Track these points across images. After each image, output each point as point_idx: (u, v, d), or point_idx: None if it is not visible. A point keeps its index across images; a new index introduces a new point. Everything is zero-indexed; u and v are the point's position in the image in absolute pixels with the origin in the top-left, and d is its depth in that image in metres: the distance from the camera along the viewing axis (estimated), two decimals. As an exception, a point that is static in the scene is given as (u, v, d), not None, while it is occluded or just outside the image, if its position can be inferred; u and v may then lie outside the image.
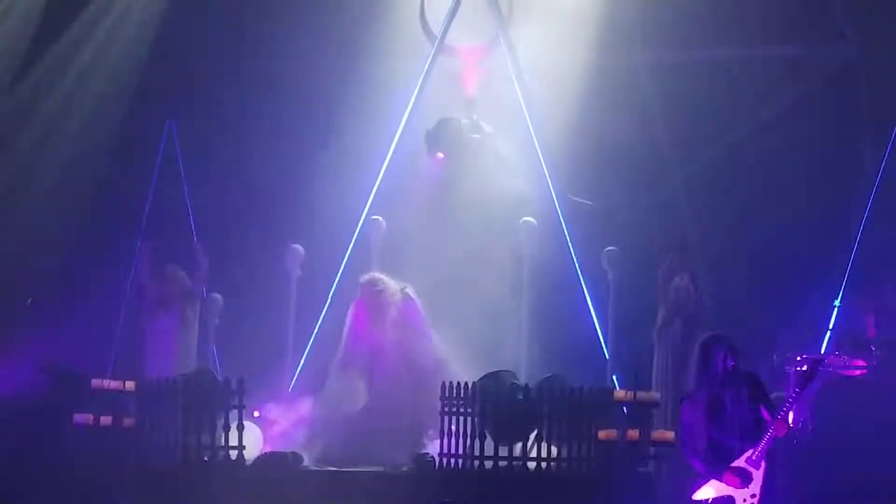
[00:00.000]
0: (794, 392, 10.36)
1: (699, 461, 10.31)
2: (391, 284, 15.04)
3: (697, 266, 15.48)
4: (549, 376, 14.20)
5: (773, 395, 10.78)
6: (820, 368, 10.97)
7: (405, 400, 14.75)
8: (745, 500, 10.16)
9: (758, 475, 10.16)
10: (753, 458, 10.16)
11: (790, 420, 10.25)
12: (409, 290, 15.09)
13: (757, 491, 10.15)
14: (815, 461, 13.86)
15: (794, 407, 10.36)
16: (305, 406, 15.08)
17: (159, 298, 15.96)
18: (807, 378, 10.40)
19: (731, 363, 10.28)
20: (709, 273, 16.94)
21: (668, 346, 14.99)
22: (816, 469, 13.64)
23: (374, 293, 14.95)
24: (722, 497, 10.23)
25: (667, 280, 15.49)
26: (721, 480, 10.20)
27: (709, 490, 10.27)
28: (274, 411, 15.14)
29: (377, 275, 15.16)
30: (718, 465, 10.22)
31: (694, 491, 10.43)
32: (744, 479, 10.13)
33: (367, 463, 14.19)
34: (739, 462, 10.21)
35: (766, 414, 10.22)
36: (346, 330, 15.01)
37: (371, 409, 14.73)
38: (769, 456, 10.23)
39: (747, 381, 10.37)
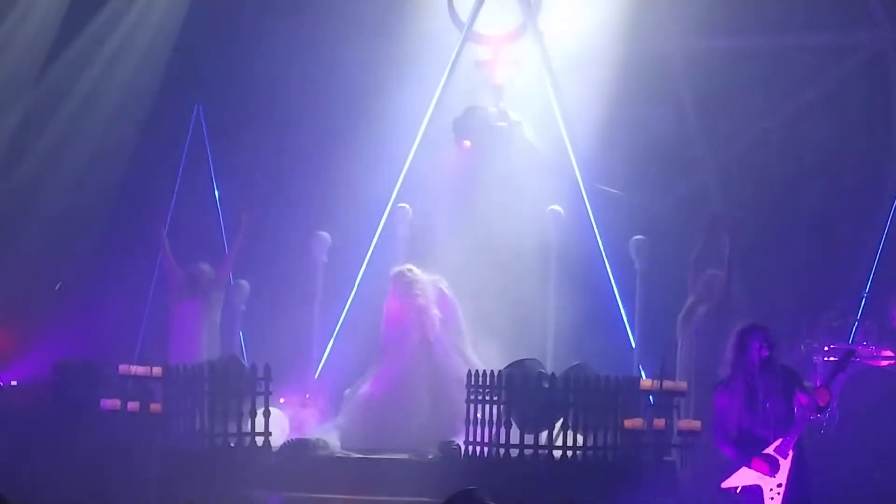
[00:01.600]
0: (827, 376, 10.31)
1: (730, 447, 10.30)
2: (422, 276, 15.04)
3: (729, 250, 15.31)
4: (576, 365, 14.18)
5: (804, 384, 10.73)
6: (851, 359, 10.88)
7: (433, 389, 14.76)
8: (771, 489, 10.13)
9: (785, 465, 10.12)
10: (782, 447, 10.12)
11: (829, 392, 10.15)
12: (443, 284, 15.09)
13: (783, 480, 10.12)
14: (841, 452, 13.79)
15: (832, 381, 10.26)
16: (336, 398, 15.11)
17: (184, 286, 15.97)
18: (838, 368, 10.34)
19: (766, 353, 10.24)
20: (740, 261, 16.87)
21: (691, 333, 14.91)
22: (843, 460, 13.57)
23: (404, 284, 14.96)
24: (749, 486, 10.20)
25: (698, 268, 15.35)
26: (750, 467, 10.17)
27: (737, 478, 10.25)
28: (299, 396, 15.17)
29: (408, 266, 15.16)
30: (748, 453, 10.20)
31: (721, 479, 10.42)
32: (772, 466, 10.09)
33: (392, 450, 14.21)
34: (769, 450, 10.18)
35: (803, 399, 10.16)
36: (382, 322, 15.05)
37: (398, 398, 14.75)
38: (797, 446, 10.19)
39: (782, 373, 10.33)
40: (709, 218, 15.42)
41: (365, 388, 14.94)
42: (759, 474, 10.16)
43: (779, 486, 10.13)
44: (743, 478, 10.25)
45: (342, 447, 14.41)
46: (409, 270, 15.05)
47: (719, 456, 10.76)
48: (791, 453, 10.15)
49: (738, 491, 10.26)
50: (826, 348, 15.30)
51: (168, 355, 15.24)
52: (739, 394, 10.27)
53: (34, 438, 14.44)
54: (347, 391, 15.10)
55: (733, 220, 15.40)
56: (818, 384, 10.32)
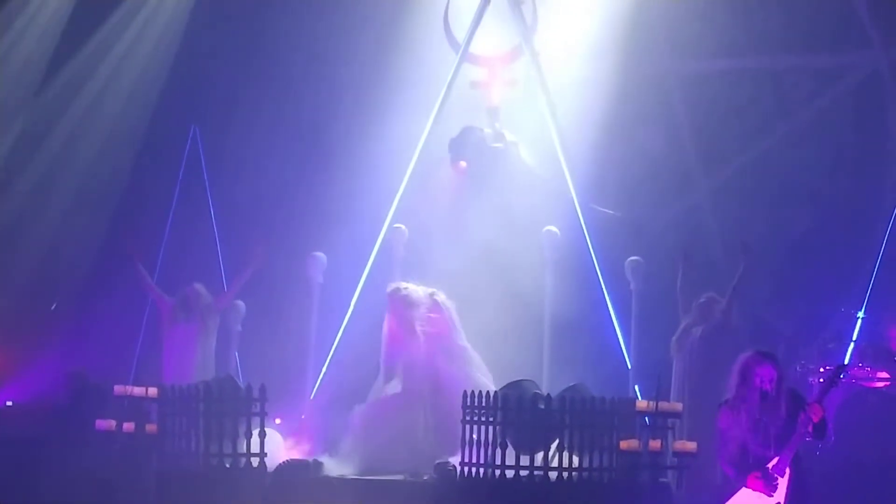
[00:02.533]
0: (820, 391, 10.31)
1: (731, 467, 10.30)
2: (416, 291, 15.05)
3: (737, 280, 15.34)
4: (571, 386, 14.16)
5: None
6: (842, 375, 10.88)
7: (431, 408, 14.76)
8: (768, 510, 10.13)
9: (783, 483, 10.11)
10: (779, 465, 10.12)
11: (823, 407, 10.16)
12: (439, 297, 15.09)
13: (782, 499, 10.11)
14: (837, 472, 13.80)
15: (824, 397, 10.27)
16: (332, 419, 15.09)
17: (177, 308, 15.99)
18: (829, 383, 10.34)
19: (767, 387, 10.23)
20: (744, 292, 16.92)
21: (686, 354, 14.93)
22: (839, 480, 13.58)
23: (398, 301, 14.96)
24: (748, 509, 10.21)
25: (686, 296, 15.33)
26: (746, 486, 10.16)
27: (735, 502, 10.23)
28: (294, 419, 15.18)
29: (403, 283, 15.16)
30: (748, 474, 10.19)
31: (716, 501, 10.40)
32: (768, 483, 10.06)
33: (388, 471, 14.20)
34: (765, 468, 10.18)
35: (802, 417, 10.16)
36: (382, 341, 15.07)
37: (395, 418, 14.74)
38: (794, 464, 10.19)
39: (788, 397, 10.33)
40: (739, 244, 15.39)
41: (363, 409, 14.92)
42: (758, 495, 10.15)
43: (777, 504, 10.15)
44: (741, 501, 10.23)
45: (338, 468, 14.39)
46: (404, 288, 15.05)
47: (715, 478, 10.77)
48: (788, 471, 10.14)
49: (735, 514, 10.25)
50: (821, 369, 15.31)
51: (162, 377, 15.21)
52: (743, 420, 10.27)
53: (31, 459, 14.43)
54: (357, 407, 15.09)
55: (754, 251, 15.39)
56: (817, 394, 10.29)
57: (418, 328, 14.86)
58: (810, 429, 10.16)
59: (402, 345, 14.91)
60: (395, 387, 14.83)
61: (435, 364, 14.82)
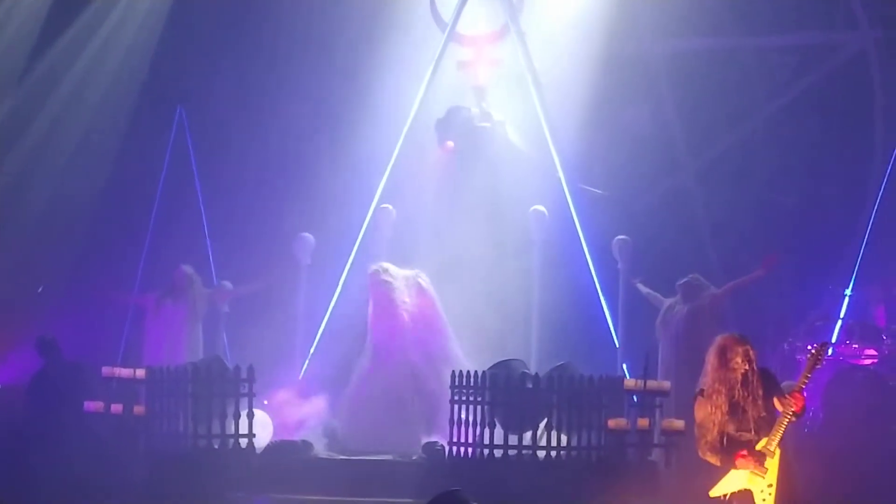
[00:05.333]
0: (806, 377, 10.28)
1: (714, 455, 10.24)
2: (398, 273, 15.04)
3: (748, 281, 15.34)
4: (559, 365, 14.18)
5: (784, 384, 10.73)
6: (827, 351, 10.85)
7: (415, 389, 14.77)
8: (762, 491, 10.07)
9: (773, 464, 10.08)
10: (768, 446, 10.10)
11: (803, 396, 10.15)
12: (422, 279, 15.08)
13: (773, 481, 10.07)
14: (826, 450, 13.82)
15: (807, 384, 10.24)
16: (320, 400, 15.08)
17: (164, 292, 15.96)
18: (814, 362, 10.31)
19: (747, 367, 10.20)
20: (720, 263, 16.93)
21: (672, 333, 14.93)
22: (828, 458, 13.59)
23: (379, 283, 14.97)
24: (739, 492, 10.15)
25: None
26: (736, 466, 10.12)
27: (725, 485, 10.19)
28: (283, 397, 15.14)
29: (384, 264, 15.15)
30: (733, 457, 10.15)
31: (705, 484, 10.37)
32: (758, 460, 10.03)
33: (376, 451, 14.20)
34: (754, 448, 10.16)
35: (779, 404, 10.15)
36: (367, 322, 15.06)
37: (381, 398, 14.76)
38: (783, 445, 10.17)
39: (761, 377, 10.30)
40: (772, 254, 15.36)
41: (350, 390, 14.94)
42: (748, 474, 10.11)
43: (769, 486, 10.09)
44: (731, 484, 10.19)
45: (326, 448, 14.39)
46: (385, 270, 15.03)
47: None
48: (778, 451, 10.12)
49: (726, 498, 10.19)
50: (809, 347, 15.33)
51: (149, 360, 15.16)
52: (721, 405, 10.21)
53: (19, 441, 14.40)
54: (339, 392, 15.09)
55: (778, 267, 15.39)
56: (795, 387, 10.24)
57: (400, 309, 14.87)
58: (790, 414, 10.13)
59: (384, 326, 14.92)
60: (378, 367, 14.84)
61: (417, 344, 14.84)
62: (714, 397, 10.19)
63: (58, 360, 15.12)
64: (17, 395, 15.66)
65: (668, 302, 15.24)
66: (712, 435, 10.16)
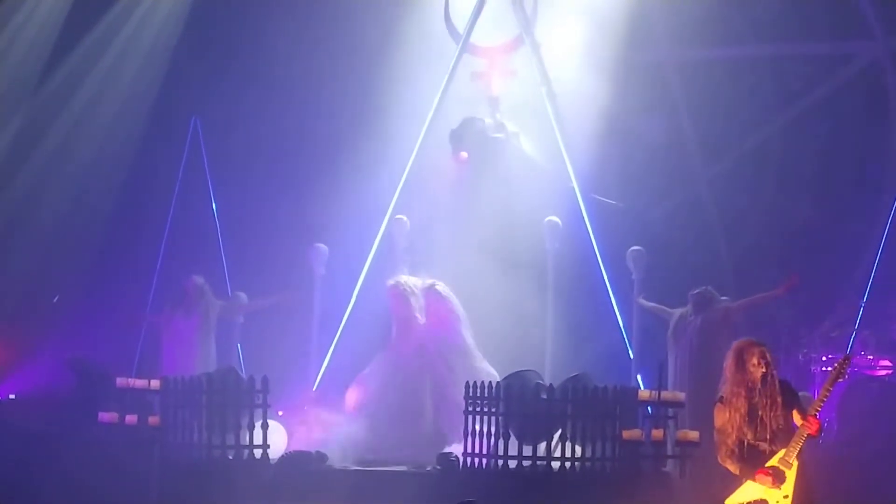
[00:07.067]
0: (827, 391, 10.28)
1: (733, 463, 10.26)
2: (416, 284, 15.05)
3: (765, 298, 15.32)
4: (574, 376, 14.16)
5: (801, 394, 10.74)
6: (848, 367, 10.85)
7: (439, 399, 14.77)
8: (777, 502, 10.10)
9: (790, 476, 10.09)
10: (786, 458, 10.10)
11: (818, 420, 10.17)
12: (440, 287, 15.08)
13: (790, 492, 10.08)
14: (841, 461, 13.80)
15: (831, 389, 10.25)
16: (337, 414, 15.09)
17: (176, 303, 15.98)
18: (836, 376, 10.31)
19: (764, 370, 10.21)
20: (734, 273, 16.92)
21: (685, 344, 14.91)
22: (843, 468, 13.58)
23: (396, 295, 14.99)
24: (755, 502, 10.16)
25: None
26: (754, 480, 10.14)
27: (741, 494, 10.21)
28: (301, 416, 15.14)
29: (402, 277, 15.17)
30: (752, 466, 10.17)
31: (720, 494, 10.38)
32: (777, 478, 10.05)
33: (391, 462, 14.20)
34: (772, 462, 10.16)
35: (797, 419, 10.17)
36: (389, 334, 15.09)
37: (397, 409, 14.76)
38: (801, 457, 10.17)
39: (780, 387, 10.31)
40: (794, 275, 15.34)
41: (367, 399, 14.92)
42: (764, 487, 10.13)
43: (785, 497, 10.10)
44: (747, 493, 10.21)
45: (341, 459, 14.39)
46: (403, 283, 15.05)
47: (717, 467, 10.74)
48: (795, 463, 10.13)
49: (742, 508, 10.22)
50: (824, 358, 15.32)
51: (163, 372, 15.18)
52: (740, 409, 10.23)
53: (34, 451, 14.43)
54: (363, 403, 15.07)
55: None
56: (817, 402, 10.24)
57: (419, 320, 14.89)
58: (806, 435, 10.15)
59: (403, 336, 14.94)
60: (398, 378, 14.85)
61: (436, 354, 14.84)
62: (734, 401, 10.24)
63: (92, 378, 15.12)
64: (32, 406, 15.69)
65: (677, 313, 15.21)
66: (732, 440, 10.19)
